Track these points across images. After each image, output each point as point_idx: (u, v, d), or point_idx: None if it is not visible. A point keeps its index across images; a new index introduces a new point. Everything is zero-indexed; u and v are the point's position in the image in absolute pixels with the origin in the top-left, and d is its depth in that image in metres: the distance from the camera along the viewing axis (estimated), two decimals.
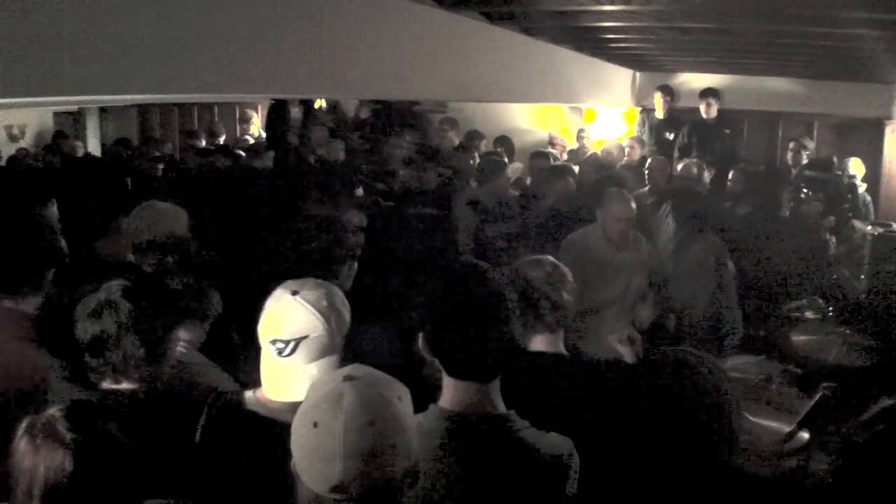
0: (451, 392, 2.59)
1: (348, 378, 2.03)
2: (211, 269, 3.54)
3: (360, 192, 7.15)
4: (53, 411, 2.33)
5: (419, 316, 2.63)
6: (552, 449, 2.59)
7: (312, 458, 1.97)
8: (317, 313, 2.67)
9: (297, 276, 2.84)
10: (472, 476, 2.46)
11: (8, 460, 2.29)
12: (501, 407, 2.61)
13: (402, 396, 2.07)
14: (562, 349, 3.60)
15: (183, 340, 3.31)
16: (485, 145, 10.87)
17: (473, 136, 10.98)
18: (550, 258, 3.77)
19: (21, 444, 2.28)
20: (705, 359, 2.51)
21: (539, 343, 3.56)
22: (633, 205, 5.87)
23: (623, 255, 5.76)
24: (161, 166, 10.06)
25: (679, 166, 9.26)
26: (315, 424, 1.97)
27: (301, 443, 2.00)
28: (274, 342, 2.68)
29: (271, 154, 9.41)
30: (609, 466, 2.50)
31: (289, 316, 2.68)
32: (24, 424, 2.31)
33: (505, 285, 2.66)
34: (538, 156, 9.87)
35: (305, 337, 2.66)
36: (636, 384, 2.51)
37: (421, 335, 2.62)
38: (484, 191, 7.72)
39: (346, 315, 2.80)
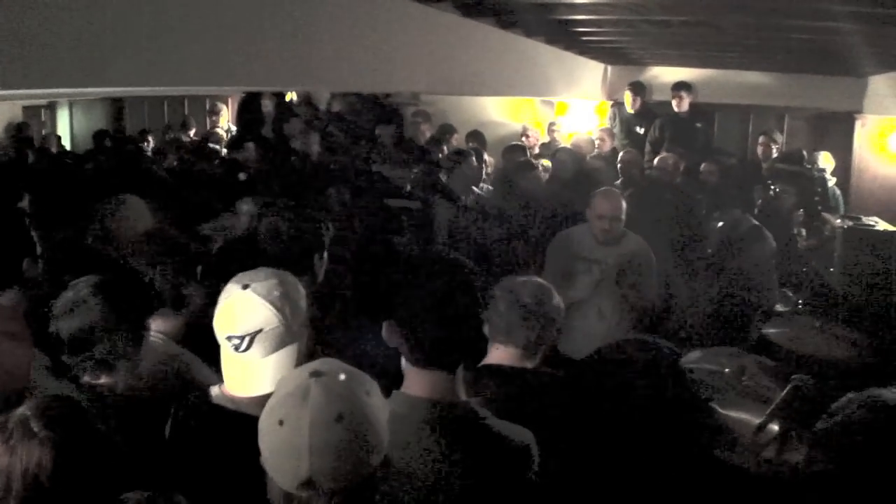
0: (416, 379, 2.58)
1: (315, 374, 2.02)
2: (191, 259, 3.53)
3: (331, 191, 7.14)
4: (24, 409, 2.32)
5: (388, 305, 2.62)
6: (516, 437, 2.60)
7: (280, 455, 1.97)
8: (269, 305, 2.62)
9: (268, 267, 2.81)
10: (442, 462, 2.46)
11: None
12: (464, 395, 2.63)
13: (370, 391, 2.06)
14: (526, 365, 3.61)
15: (160, 332, 3.30)
16: (456, 139, 10.89)
17: (445, 130, 11.01)
18: (539, 280, 3.81)
19: None
20: (659, 340, 2.53)
21: (503, 357, 3.59)
22: (621, 203, 5.90)
23: (604, 249, 5.77)
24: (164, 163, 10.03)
25: (655, 159, 9.32)
26: (281, 422, 1.96)
27: (268, 440, 2.00)
28: (230, 338, 2.64)
29: (251, 146, 9.33)
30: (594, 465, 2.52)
31: (241, 310, 2.63)
32: None
33: (473, 278, 2.66)
34: (513, 149, 9.88)
35: (260, 331, 2.61)
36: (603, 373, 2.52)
37: (386, 324, 2.61)
38: (454, 182, 7.73)
39: (302, 303, 2.76)
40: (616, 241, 5.85)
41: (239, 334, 2.62)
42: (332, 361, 2.13)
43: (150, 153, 11.15)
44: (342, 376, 2.03)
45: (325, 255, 4.21)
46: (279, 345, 2.65)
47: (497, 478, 2.51)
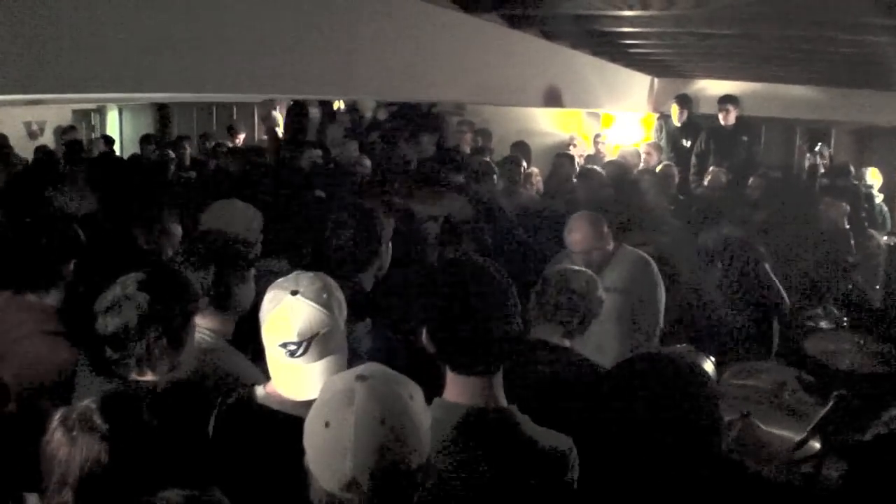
0: (454, 386, 2.61)
1: (360, 377, 2.03)
2: (240, 260, 3.55)
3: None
4: (88, 403, 2.36)
5: (422, 311, 2.64)
6: (553, 444, 2.60)
7: (324, 456, 1.99)
8: (321, 308, 2.66)
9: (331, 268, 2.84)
10: (479, 468, 2.48)
11: (41, 451, 2.31)
12: (503, 401, 2.63)
13: (413, 395, 2.08)
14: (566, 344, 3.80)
15: (209, 329, 3.34)
16: (493, 143, 11.01)
17: (482, 135, 11.05)
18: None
19: (56, 435, 2.31)
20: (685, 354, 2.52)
21: (549, 333, 3.79)
22: (587, 228, 5.27)
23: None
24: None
25: (707, 176, 9.30)
26: (327, 424, 1.98)
27: (313, 441, 2.02)
28: (285, 345, 2.65)
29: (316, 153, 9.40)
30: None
31: (295, 316, 2.65)
32: (58, 416, 2.34)
33: (507, 280, 2.67)
34: (563, 157, 9.89)
35: (316, 335, 2.65)
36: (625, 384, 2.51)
37: (424, 330, 2.63)
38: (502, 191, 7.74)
39: (344, 303, 2.80)
40: (601, 267, 5.12)
41: (296, 340, 2.64)
42: (377, 366, 2.15)
43: (188, 159, 11.23)
44: (389, 384, 2.05)
45: (389, 245, 4.29)
46: (332, 347, 2.69)
47: (533, 484, 2.51)
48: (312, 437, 2.02)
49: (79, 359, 3.25)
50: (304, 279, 2.74)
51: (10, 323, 3.60)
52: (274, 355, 2.72)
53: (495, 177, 7.86)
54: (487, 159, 8.94)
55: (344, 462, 1.94)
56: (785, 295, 6.12)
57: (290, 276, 2.78)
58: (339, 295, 2.79)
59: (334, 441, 1.96)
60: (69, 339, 3.53)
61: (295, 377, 2.69)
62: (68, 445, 2.28)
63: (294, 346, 2.64)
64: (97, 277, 3.22)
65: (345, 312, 2.79)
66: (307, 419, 2.06)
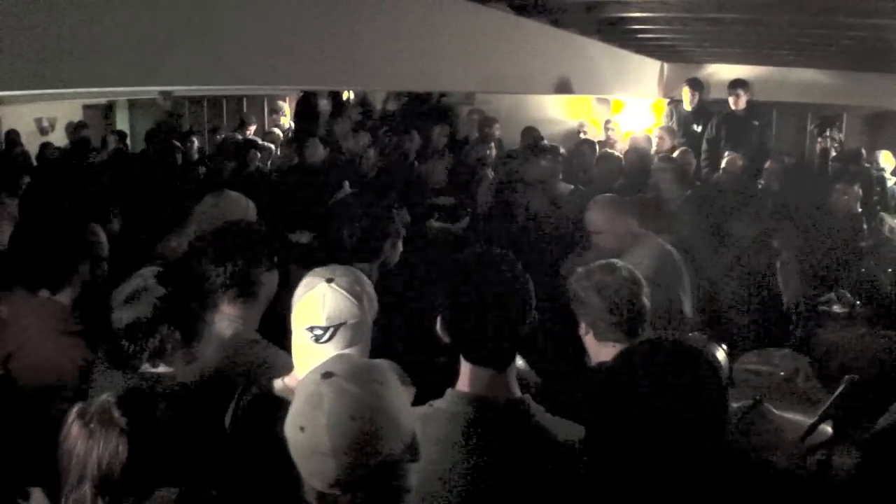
0: (469, 377, 2.60)
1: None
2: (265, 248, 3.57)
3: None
4: (106, 397, 2.37)
5: (439, 301, 2.64)
6: (568, 434, 2.60)
7: (305, 460, 2.01)
8: (353, 299, 2.73)
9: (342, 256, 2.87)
10: (494, 458, 2.48)
11: (59, 447, 2.32)
12: (517, 392, 2.63)
13: (382, 379, 2.07)
14: None
15: (236, 319, 3.36)
16: (497, 129, 10.99)
17: (486, 123, 11.06)
18: (622, 262, 3.72)
19: (73, 429, 2.31)
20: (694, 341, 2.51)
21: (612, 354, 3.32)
22: (600, 213, 5.39)
23: None
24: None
25: (724, 161, 9.26)
26: (301, 429, 1.99)
27: (294, 445, 2.03)
28: (311, 329, 2.72)
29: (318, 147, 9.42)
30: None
31: (327, 303, 2.72)
32: (75, 410, 2.35)
33: (524, 272, 2.66)
34: (583, 143, 9.89)
35: (343, 323, 2.71)
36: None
37: (440, 319, 2.63)
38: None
39: (374, 295, 2.86)
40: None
41: (324, 325, 2.71)
42: (344, 358, 2.19)
43: (195, 154, 11.21)
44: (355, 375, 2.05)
45: (400, 242, 4.29)
46: (357, 339, 2.75)
47: (548, 474, 2.51)
48: (292, 441, 2.04)
49: (93, 358, 3.27)
50: (339, 270, 2.83)
51: (23, 321, 3.61)
52: (299, 340, 2.78)
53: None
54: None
55: (325, 464, 1.95)
56: (798, 293, 6.07)
57: (328, 266, 2.86)
58: (371, 291, 2.85)
59: (311, 445, 1.98)
60: (83, 337, 3.55)
61: (315, 363, 2.70)
62: (86, 439, 2.29)
63: (321, 330, 2.71)
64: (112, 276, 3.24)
65: (375, 309, 2.83)
66: (285, 423, 2.07)
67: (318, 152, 9.27)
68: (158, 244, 4.98)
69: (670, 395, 2.25)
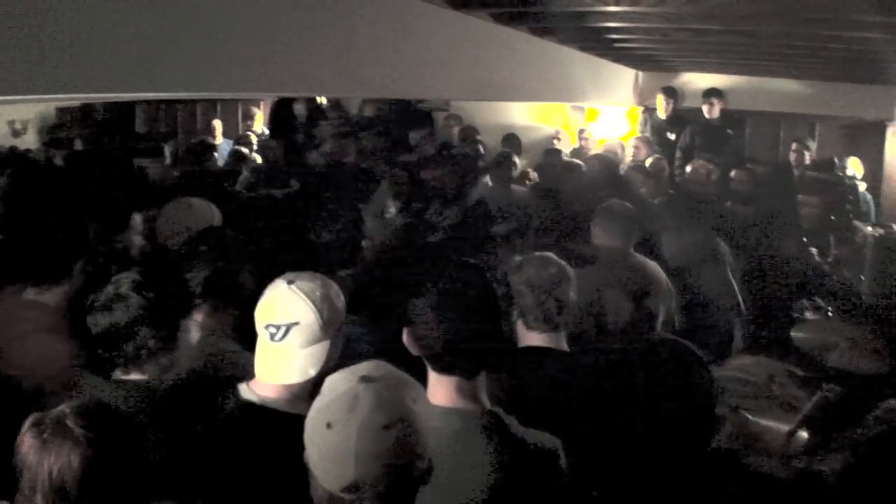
0: (438, 388, 2.62)
1: (365, 379, 2.05)
2: (240, 255, 3.59)
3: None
4: (64, 407, 2.36)
5: (408, 311, 2.67)
6: (541, 444, 2.63)
7: (325, 457, 2.00)
8: (309, 302, 2.76)
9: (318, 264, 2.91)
10: (466, 470, 2.49)
11: (14, 456, 2.31)
12: (487, 403, 2.65)
13: (416, 398, 2.09)
14: (564, 347, 3.60)
15: (211, 324, 3.37)
16: (479, 137, 11.04)
17: (468, 134, 11.10)
18: (554, 256, 3.77)
19: (26, 439, 2.31)
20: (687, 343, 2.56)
21: (539, 341, 3.57)
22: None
23: None
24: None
25: (688, 168, 9.30)
26: (329, 425, 1.99)
27: (315, 441, 2.03)
28: (267, 327, 2.78)
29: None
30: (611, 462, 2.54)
31: (282, 303, 2.78)
32: (30, 420, 2.34)
33: (491, 281, 2.70)
34: (551, 153, 9.95)
35: (296, 323, 2.75)
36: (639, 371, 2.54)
37: (406, 330, 2.66)
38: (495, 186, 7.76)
39: (340, 306, 2.87)
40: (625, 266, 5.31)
41: (277, 324, 2.76)
42: (383, 365, 2.16)
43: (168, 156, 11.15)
44: (392, 390, 2.06)
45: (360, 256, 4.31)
46: (312, 340, 2.78)
47: (524, 485, 2.53)
48: (314, 436, 2.04)
49: (79, 361, 3.27)
50: (305, 275, 2.87)
51: (13, 320, 3.61)
52: (260, 336, 2.83)
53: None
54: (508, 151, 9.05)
55: (345, 465, 1.96)
56: (741, 299, 6.09)
57: (301, 272, 2.89)
58: (336, 300, 2.86)
59: (336, 443, 1.98)
60: (72, 337, 3.54)
61: (273, 361, 2.80)
62: (39, 450, 2.27)
63: (274, 328, 2.77)
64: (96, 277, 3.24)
65: (337, 316, 2.84)
66: (308, 417, 2.08)
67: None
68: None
69: (669, 394, 2.29)
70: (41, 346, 3.53)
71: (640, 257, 5.41)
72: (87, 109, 14.69)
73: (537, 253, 3.83)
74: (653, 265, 5.40)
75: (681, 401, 2.30)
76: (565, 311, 3.58)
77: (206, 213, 4.57)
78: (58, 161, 9.87)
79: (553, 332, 3.57)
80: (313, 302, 2.76)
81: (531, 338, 3.59)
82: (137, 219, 4.87)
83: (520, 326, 3.63)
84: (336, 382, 2.11)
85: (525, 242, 6.32)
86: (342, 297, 2.90)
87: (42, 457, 2.26)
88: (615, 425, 2.63)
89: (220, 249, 3.56)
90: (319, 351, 2.79)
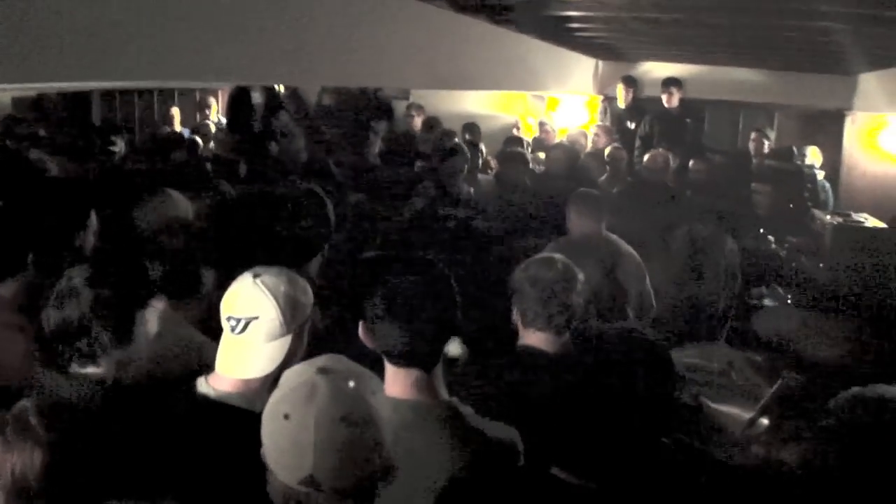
0: (395, 380, 2.61)
1: (322, 371, 2.03)
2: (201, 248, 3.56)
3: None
4: (24, 404, 2.31)
5: (362, 305, 2.66)
6: (501, 434, 2.63)
7: (283, 449, 1.98)
8: (271, 297, 2.72)
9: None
10: (427, 463, 2.47)
11: None
12: (445, 394, 2.65)
13: (375, 390, 2.07)
14: (565, 348, 3.55)
15: (172, 316, 3.33)
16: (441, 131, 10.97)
17: (431, 124, 11.04)
18: (561, 257, 3.75)
19: None
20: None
21: (538, 341, 3.53)
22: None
23: None
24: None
25: (645, 157, 9.32)
26: (286, 416, 1.97)
27: (272, 433, 2.01)
28: (229, 319, 2.74)
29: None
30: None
31: (245, 296, 2.74)
32: None
33: (448, 276, 2.69)
34: (511, 141, 9.95)
35: (256, 318, 2.71)
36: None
37: (362, 324, 2.65)
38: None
39: (305, 302, 2.83)
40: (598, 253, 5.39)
41: (237, 316, 2.72)
42: (339, 358, 2.14)
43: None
44: (350, 382, 2.03)
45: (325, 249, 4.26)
46: (272, 335, 2.74)
47: (482, 476, 2.52)
48: (270, 428, 2.01)
49: (36, 356, 3.20)
50: (273, 270, 2.82)
51: None
52: (223, 331, 2.78)
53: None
54: (456, 140, 8.97)
55: (302, 457, 1.93)
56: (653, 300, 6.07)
57: (269, 266, 2.85)
58: (302, 298, 2.82)
59: (293, 435, 1.95)
60: (27, 332, 3.46)
61: (234, 354, 2.77)
62: (1, 449, 2.23)
63: (235, 321, 2.73)
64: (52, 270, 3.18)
65: (300, 313, 2.80)
66: (266, 410, 2.05)
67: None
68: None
69: (626, 383, 2.28)
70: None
71: (613, 237, 5.54)
72: (41, 100, 14.52)
73: (545, 254, 3.81)
74: (625, 245, 5.52)
75: (641, 389, 2.29)
76: (569, 312, 3.54)
77: (181, 205, 4.51)
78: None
79: (555, 336, 3.53)
80: (275, 297, 2.73)
81: (531, 337, 3.56)
82: (94, 218, 4.80)
83: (519, 325, 3.61)
84: (293, 374, 2.09)
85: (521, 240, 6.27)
86: (309, 294, 2.87)
87: (3, 455, 2.21)
88: (574, 418, 2.61)
89: (177, 240, 3.52)
90: (280, 347, 2.75)
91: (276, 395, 2.06)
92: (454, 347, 3.43)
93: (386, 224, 6.40)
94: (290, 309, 2.75)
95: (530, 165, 8.47)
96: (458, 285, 2.70)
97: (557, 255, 3.77)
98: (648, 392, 2.48)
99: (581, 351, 3.45)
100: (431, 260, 2.75)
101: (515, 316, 3.61)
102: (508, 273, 3.71)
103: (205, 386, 2.78)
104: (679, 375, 2.93)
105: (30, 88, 10.37)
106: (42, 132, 11.36)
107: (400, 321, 2.57)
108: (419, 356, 2.60)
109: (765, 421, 3.44)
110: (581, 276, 3.66)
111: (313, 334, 2.92)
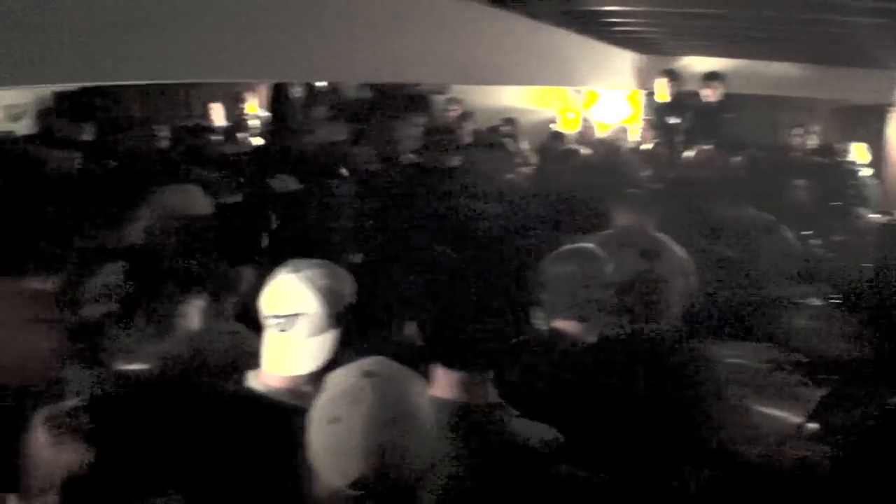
0: (442, 381, 2.58)
1: (368, 374, 2.03)
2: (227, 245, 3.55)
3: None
4: (76, 402, 2.31)
5: (414, 305, 2.64)
6: (542, 437, 2.59)
7: (331, 453, 1.99)
8: (314, 291, 2.70)
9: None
10: (469, 464, 2.45)
11: (23, 453, 2.25)
12: (494, 396, 2.62)
13: (421, 393, 2.08)
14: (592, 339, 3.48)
15: (212, 309, 3.33)
16: (475, 124, 11.00)
17: (464, 118, 11.06)
18: (590, 246, 3.67)
19: (39, 435, 2.24)
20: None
21: (568, 328, 3.43)
22: None
23: None
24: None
25: (689, 153, 9.24)
26: (334, 420, 1.98)
27: (319, 437, 2.01)
28: (272, 317, 2.73)
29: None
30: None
31: (287, 292, 2.72)
32: (42, 415, 2.27)
33: (502, 273, 2.66)
34: (555, 136, 9.91)
35: (301, 314, 2.70)
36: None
37: (415, 324, 2.63)
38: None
39: (346, 293, 2.81)
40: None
41: (283, 314, 2.71)
42: (384, 360, 2.14)
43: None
44: (397, 385, 2.03)
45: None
46: (318, 330, 2.72)
47: (526, 478, 2.49)
48: (317, 432, 2.02)
49: (66, 353, 3.19)
50: (312, 263, 2.81)
51: (4, 309, 3.52)
52: (266, 329, 2.77)
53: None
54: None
55: (351, 460, 1.94)
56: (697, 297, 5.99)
57: (305, 259, 2.84)
58: (343, 289, 2.80)
59: (341, 439, 1.96)
60: (57, 328, 3.45)
61: (280, 352, 2.75)
62: (53, 447, 2.21)
63: (280, 319, 2.71)
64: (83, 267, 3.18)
65: (342, 303, 2.78)
66: (311, 413, 2.06)
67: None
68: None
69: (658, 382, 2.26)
70: (35, 336, 3.45)
71: (658, 234, 5.43)
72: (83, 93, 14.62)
73: (578, 244, 3.73)
74: (669, 241, 5.40)
75: (686, 392, 2.25)
76: (600, 304, 3.46)
77: (198, 199, 4.50)
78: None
79: (585, 326, 3.42)
80: (319, 290, 2.71)
81: (560, 327, 3.46)
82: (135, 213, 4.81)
83: (551, 317, 3.51)
84: (339, 377, 2.10)
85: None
86: (351, 284, 2.85)
87: (56, 454, 2.21)
88: (615, 419, 2.58)
89: (213, 237, 3.51)
90: (327, 340, 2.74)
91: (323, 398, 2.06)
92: None
93: (425, 222, 6.38)
94: (332, 301, 2.73)
95: (573, 161, 8.41)
96: (496, 283, 2.67)
97: (590, 245, 3.69)
98: (683, 391, 2.44)
99: (614, 346, 3.41)
100: (483, 258, 2.72)
101: (546, 308, 3.51)
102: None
103: (255, 381, 2.77)
104: (720, 375, 2.88)
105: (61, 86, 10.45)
106: (81, 128, 11.47)
107: (459, 324, 2.57)
108: (475, 360, 2.58)
109: (813, 425, 3.38)
110: (611, 268, 3.57)
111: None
